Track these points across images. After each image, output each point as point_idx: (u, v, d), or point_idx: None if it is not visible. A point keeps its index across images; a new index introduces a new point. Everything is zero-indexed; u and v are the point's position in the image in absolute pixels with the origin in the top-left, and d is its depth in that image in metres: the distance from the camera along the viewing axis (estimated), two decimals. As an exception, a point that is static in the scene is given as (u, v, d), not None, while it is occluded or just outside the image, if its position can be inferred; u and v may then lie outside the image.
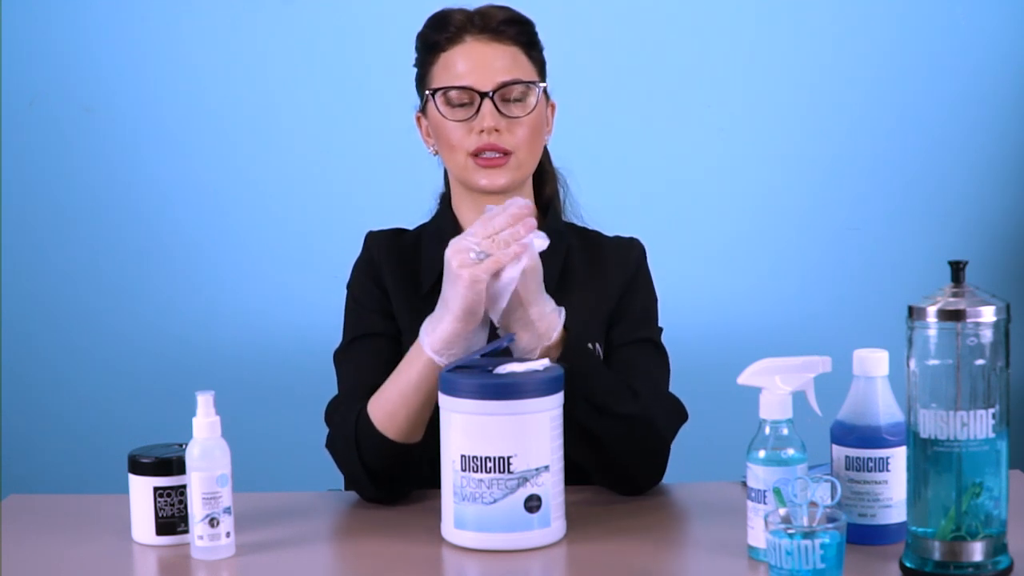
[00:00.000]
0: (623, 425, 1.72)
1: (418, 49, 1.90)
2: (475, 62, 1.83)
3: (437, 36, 1.86)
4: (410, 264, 1.91)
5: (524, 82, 1.84)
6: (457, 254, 1.62)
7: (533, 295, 1.65)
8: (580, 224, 2.00)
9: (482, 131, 1.81)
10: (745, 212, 2.98)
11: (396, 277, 1.89)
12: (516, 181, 1.85)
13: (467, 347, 1.65)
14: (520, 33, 1.87)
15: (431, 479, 1.67)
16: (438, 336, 1.65)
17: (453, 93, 1.83)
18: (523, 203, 1.65)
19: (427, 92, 1.86)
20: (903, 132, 2.97)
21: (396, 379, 1.71)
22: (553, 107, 1.93)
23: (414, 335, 1.84)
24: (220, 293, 2.98)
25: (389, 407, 1.71)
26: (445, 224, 1.91)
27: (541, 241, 1.64)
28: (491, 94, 1.82)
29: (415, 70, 1.92)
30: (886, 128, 2.97)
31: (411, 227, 1.98)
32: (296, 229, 2.97)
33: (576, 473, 1.74)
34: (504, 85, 1.83)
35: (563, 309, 1.70)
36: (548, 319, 1.67)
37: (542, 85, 1.87)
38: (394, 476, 1.75)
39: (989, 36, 2.94)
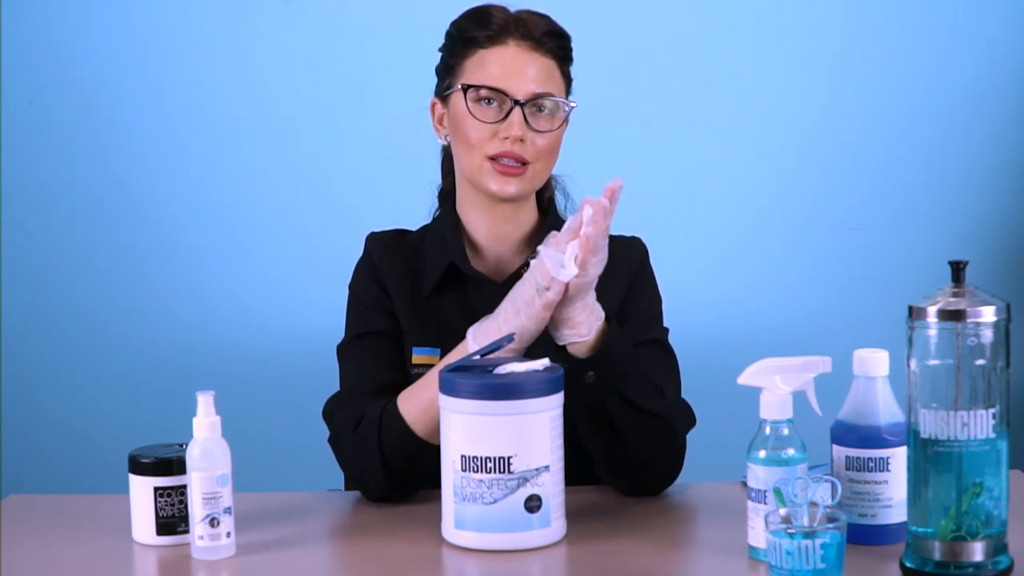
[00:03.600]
0: (648, 422, 1.72)
1: (452, 37, 1.87)
2: (513, 68, 1.81)
3: (476, 32, 1.83)
4: (412, 266, 1.90)
5: (557, 99, 1.83)
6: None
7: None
8: None
9: (507, 138, 1.80)
10: (745, 212, 2.97)
11: (397, 279, 1.88)
12: (526, 192, 1.84)
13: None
14: (559, 47, 1.86)
15: (431, 480, 1.67)
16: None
17: (484, 92, 1.81)
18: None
19: (459, 85, 1.83)
20: (903, 132, 2.97)
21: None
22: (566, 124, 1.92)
23: (415, 336, 1.83)
24: (220, 293, 2.98)
25: (423, 403, 1.71)
26: (448, 226, 1.90)
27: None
28: (523, 103, 1.81)
29: (440, 55, 1.89)
30: (886, 128, 2.97)
31: (413, 227, 1.97)
32: (296, 229, 2.97)
33: (576, 473, 1.74)
34: (538, 96, 1.81)
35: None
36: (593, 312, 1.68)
37: (572, 105, 1.86)
38: (408, 474, 1.75)
39: (989, 37, 2.94)
